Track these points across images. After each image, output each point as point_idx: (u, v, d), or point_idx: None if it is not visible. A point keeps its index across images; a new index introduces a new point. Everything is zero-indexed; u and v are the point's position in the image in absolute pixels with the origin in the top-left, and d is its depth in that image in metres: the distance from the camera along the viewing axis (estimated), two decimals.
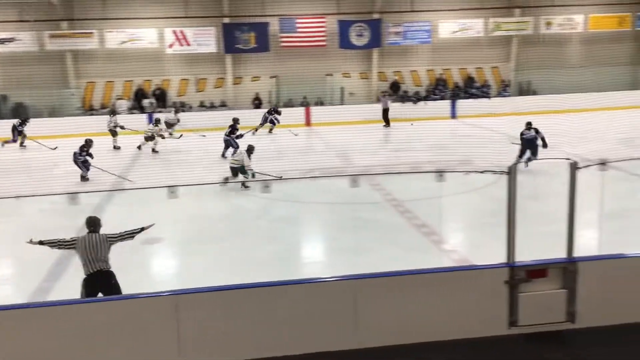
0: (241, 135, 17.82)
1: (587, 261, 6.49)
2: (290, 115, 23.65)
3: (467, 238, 10.89)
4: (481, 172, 7.06)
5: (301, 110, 25.49)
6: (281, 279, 6.39)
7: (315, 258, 10.15)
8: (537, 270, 6.41)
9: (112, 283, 6.90)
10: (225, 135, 17.84)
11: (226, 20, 26.04)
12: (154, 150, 19.55)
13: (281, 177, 14.07)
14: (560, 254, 6.51)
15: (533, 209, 10.47)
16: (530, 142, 15.08)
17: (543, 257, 6.53)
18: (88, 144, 15.68)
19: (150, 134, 19.66)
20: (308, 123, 25.12)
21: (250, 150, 14.10)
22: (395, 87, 27.42)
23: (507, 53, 28.17)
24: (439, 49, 27.49)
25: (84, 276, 6.88)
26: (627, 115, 22.53)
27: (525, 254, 6.50)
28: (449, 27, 27.24)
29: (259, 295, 6.12)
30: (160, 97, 26.42)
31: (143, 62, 25.63)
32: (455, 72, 28.18)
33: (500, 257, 6.45)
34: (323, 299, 6.32)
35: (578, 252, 6.51)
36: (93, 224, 7.08)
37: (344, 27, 26.42)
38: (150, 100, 26.24)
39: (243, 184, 13.94)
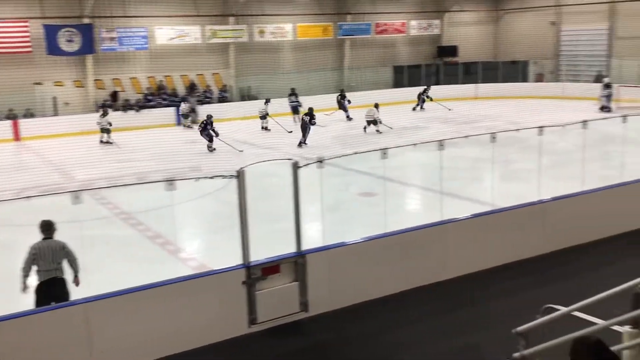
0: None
1: (314, 252, 6.97)
2: None
3: (203, 244, 10.89)
4: (211, 177, 7.08)
5: (7, 124, 22.74)
6: None
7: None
8: (271, 267, 6.68)
9: (65, 291, 6.64)
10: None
11: None
12: None
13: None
14: (291, 248, 6.87)
15: (263, 208, 10.90)
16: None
17: (276, 253, 6.83)
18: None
19: None
20: (17, 137, 22.54)
21: (377, 105, 20.92)
22: (115, 96, 26.18)
23: (226, 60, 28.97)
24: (157, 55, 27.06)
25: (37, 283, 6.55)
26: (359, 115, 24.34)
27: (261, 253, 6.71)
28: (165, 34, 26.93)
29: None
30: None
31: None
32: (177, 79, 28.05)
33: (237, 259, 6.55)
34: (49, 328, 5.70)
35: (306, 245, 6.94)
36: (48, 228, 6.75)
37: (51, 32, 24.30)
38: None
39: (377, 130, 20.56)
